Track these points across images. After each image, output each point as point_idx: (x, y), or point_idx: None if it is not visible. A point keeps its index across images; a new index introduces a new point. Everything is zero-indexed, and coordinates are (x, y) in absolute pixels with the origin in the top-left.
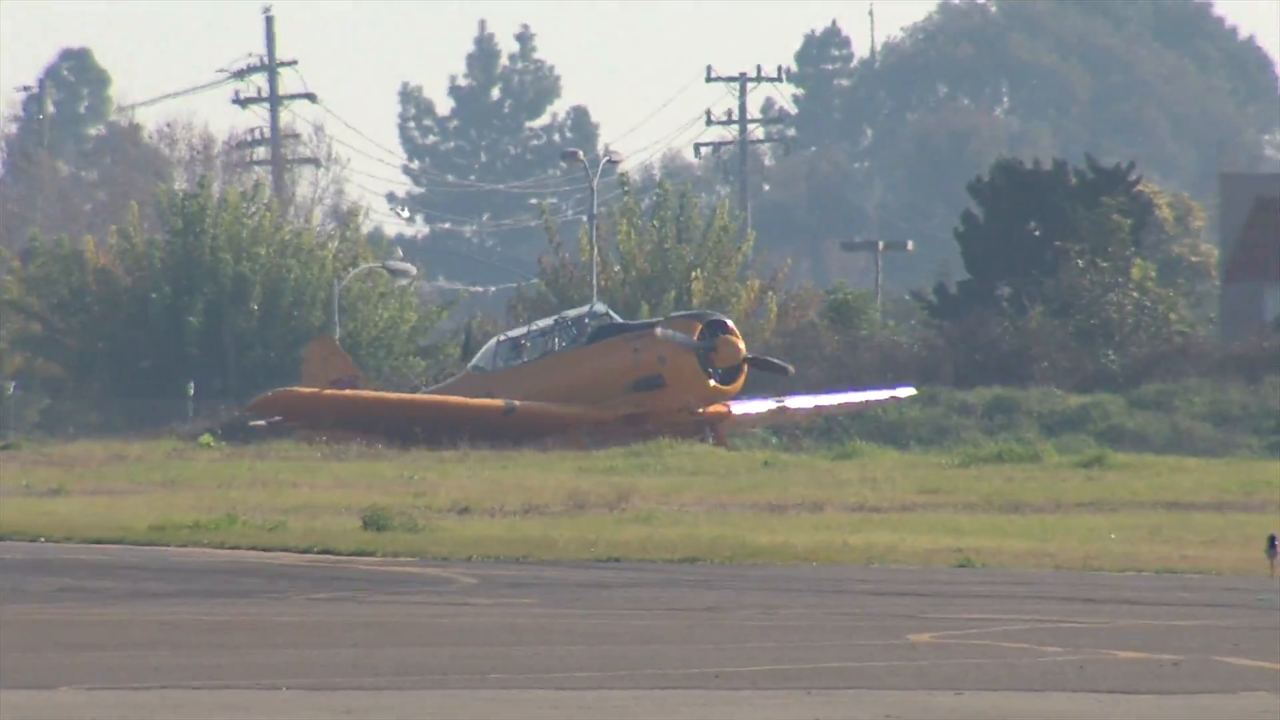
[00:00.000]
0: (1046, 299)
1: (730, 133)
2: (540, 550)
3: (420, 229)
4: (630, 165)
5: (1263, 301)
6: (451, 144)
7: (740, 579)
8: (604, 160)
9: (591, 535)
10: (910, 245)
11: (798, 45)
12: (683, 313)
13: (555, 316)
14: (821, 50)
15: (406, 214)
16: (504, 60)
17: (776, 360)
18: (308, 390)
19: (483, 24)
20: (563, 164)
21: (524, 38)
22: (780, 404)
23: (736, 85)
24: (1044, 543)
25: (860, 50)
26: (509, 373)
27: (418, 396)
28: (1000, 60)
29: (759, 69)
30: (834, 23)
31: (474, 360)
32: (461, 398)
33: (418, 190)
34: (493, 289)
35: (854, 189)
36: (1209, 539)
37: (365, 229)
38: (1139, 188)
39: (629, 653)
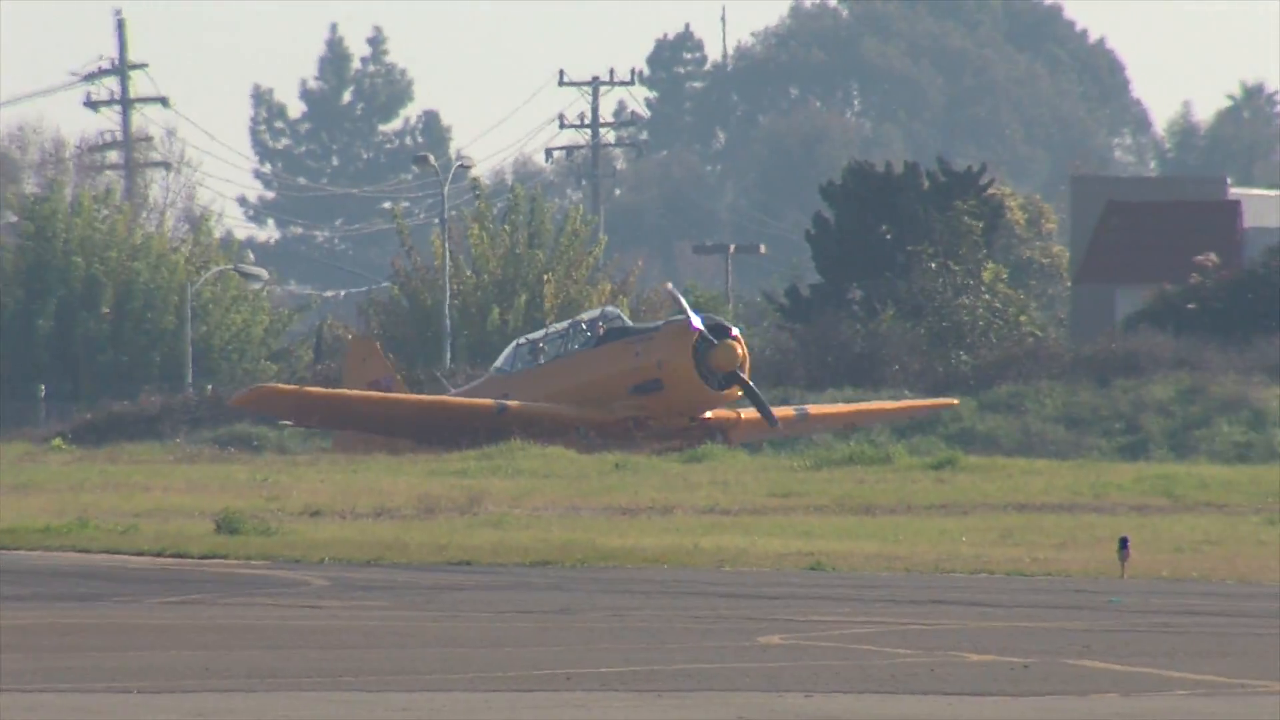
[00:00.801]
0: (898, 301)
1: (583, 136)
2: (392, 553)
3: (272, 233)
4: (482, 169)
5: (1113, 303)
6: (303, 147)
7: (591, 582)
8: (456, 165)
9: (443, 538)
10: (762, 248)
11: (650, 49)
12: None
13: (570, 320)
14: (674, 53)
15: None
16: (355, 64)
17: (767, 405)
18: (286, 387)
19: (334, 27)
20: (415, 168)
21: (375, 41)
22: (802, 411)
23: (589, 89)
24: (895, 545)
25: (713, 53)
26: (525, 375)
27: (403, 396)
28: (852, 63)
29: (611, 73)
30: (686, 26)
31: (496, 362)
32: (452, 398)
33: (269, 194)
34: (344, 293)
35: (706, 192)
36: (1059, 541)
37: (217, 233)
38: (990, 191)
39: (480, 655)
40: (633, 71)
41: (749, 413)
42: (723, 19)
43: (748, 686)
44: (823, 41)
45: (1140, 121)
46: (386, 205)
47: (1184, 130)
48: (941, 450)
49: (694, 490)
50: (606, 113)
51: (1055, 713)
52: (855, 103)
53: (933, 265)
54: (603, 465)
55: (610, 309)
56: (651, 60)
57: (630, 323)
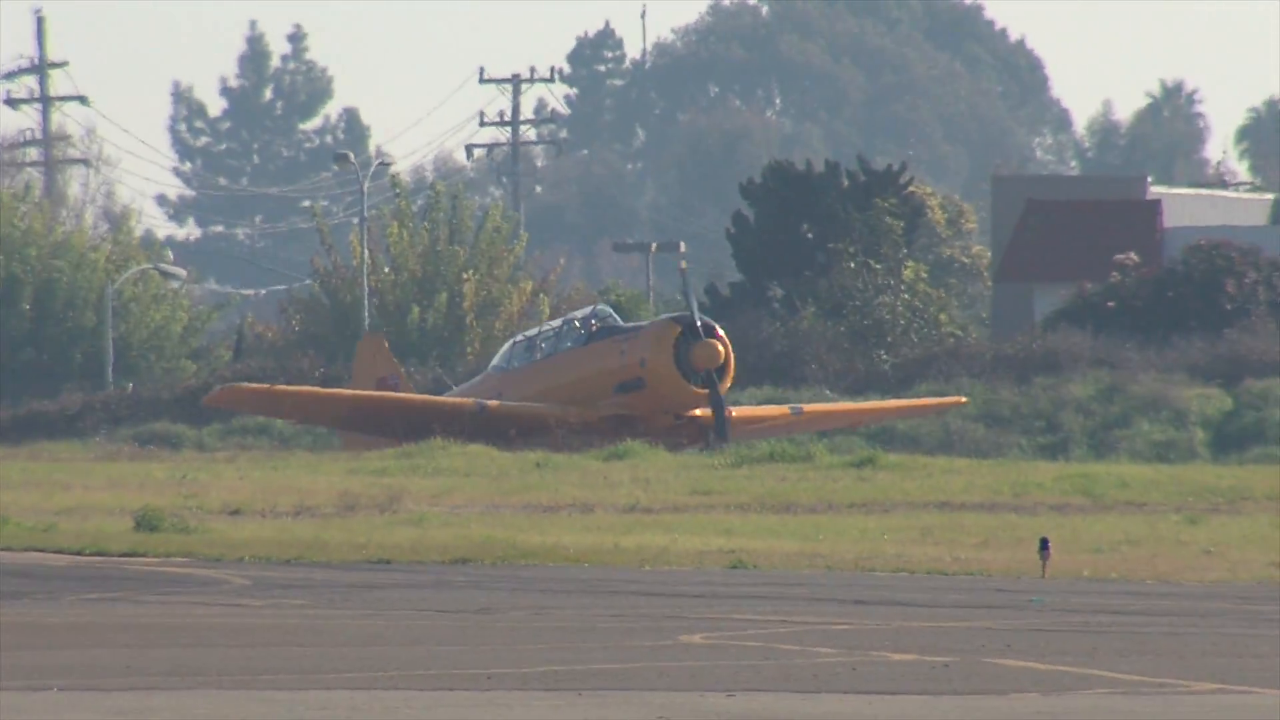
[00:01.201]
0: (818, 300)
1: (503, 134)
2: (312, 552)
3: (192, 231)
4: (402, 167)
5: (1032, 302)
6: (223, 145)
7: (512, 580)
8: (375, 163)
9: (362, 537)
10: (682, 246)
11: (571, 46)
12: (677, 314)
13: (563, 318)
14: (594, 51)
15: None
16: (275, 61)
17: (724, 418)
18: (257, 386)
19: (254, 24)
20: (335, 166)
21: (295, 38)
22: (797, 409)
23: (509, 86)
24: (816, 544)
25: (633, 51)
26: (518, 372)
27: (380, 394)
28: (772, 61)
29: (532, 70)
30: (607, 23)
31: (494, 360)
32: (430, 396)
33: (189, 192)
34: (264, 291)
35: (626, 190)
36: (980, 540)
37: (137, 231)
38: (911, 189)
39: (400, 654)
40: (553, 69)
41: (741, 410)
42: (643, 15)
43: (669, 686)
44: (742, 39)
45: (1060, 120)
46: (306, 204)
47: (1104, 129)
48: (862, 449)
49: (614, 488)
50: (527, 110)
51: (976, 712)
52: (775, 101)
53: (853, 264)
54: (523, 463)
55: (601, 307)
56: (572, 58)
57: (620, 321)
